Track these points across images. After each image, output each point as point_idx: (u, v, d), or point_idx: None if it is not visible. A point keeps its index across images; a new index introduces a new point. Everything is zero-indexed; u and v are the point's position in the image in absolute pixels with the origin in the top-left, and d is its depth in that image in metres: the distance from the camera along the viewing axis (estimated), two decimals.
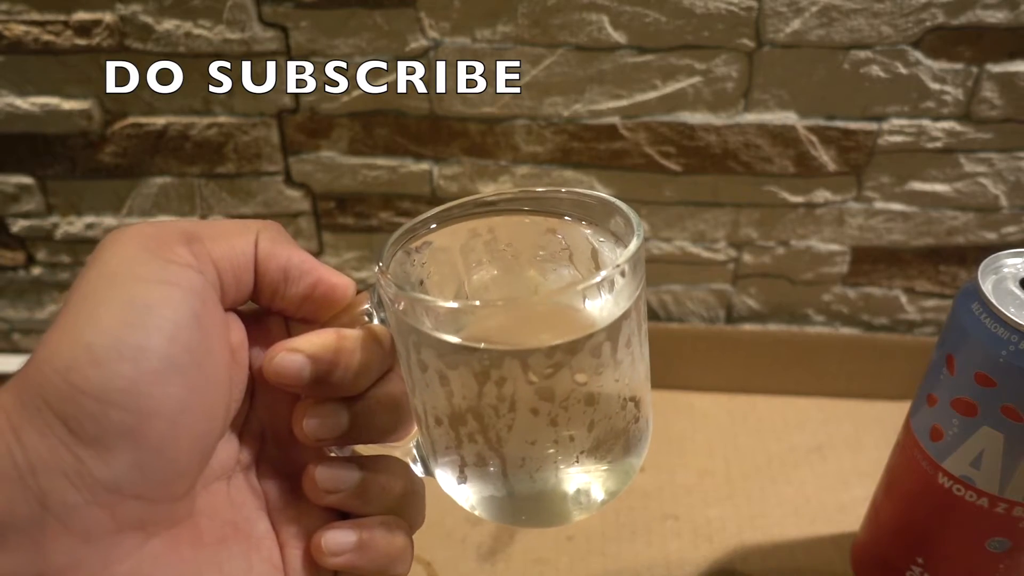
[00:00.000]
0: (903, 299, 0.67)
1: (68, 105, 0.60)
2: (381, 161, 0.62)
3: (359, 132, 0.61)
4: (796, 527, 0.52)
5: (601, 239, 0.31)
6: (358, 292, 0.29)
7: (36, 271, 0.69)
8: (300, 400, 0.28)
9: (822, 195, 0.62)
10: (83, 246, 0.67)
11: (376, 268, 0.27)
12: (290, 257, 0.27)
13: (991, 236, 0.63)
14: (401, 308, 0.27)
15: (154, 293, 0.23)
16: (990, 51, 0.55)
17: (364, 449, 0.30)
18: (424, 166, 0.62)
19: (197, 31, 0.57)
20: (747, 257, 0.65)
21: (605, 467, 0.30)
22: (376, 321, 0.29)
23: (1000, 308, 0.34)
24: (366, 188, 0.63)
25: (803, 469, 0.57)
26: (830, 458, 0.57)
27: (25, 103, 0.60)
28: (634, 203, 0.63)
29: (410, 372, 0.28)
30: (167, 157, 0.62)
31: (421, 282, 0.30)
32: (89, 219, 0.66)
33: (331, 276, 0.28)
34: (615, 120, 0.59)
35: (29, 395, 0.22)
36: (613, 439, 0.29)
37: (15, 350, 0.73)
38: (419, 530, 0.30)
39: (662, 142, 0.60)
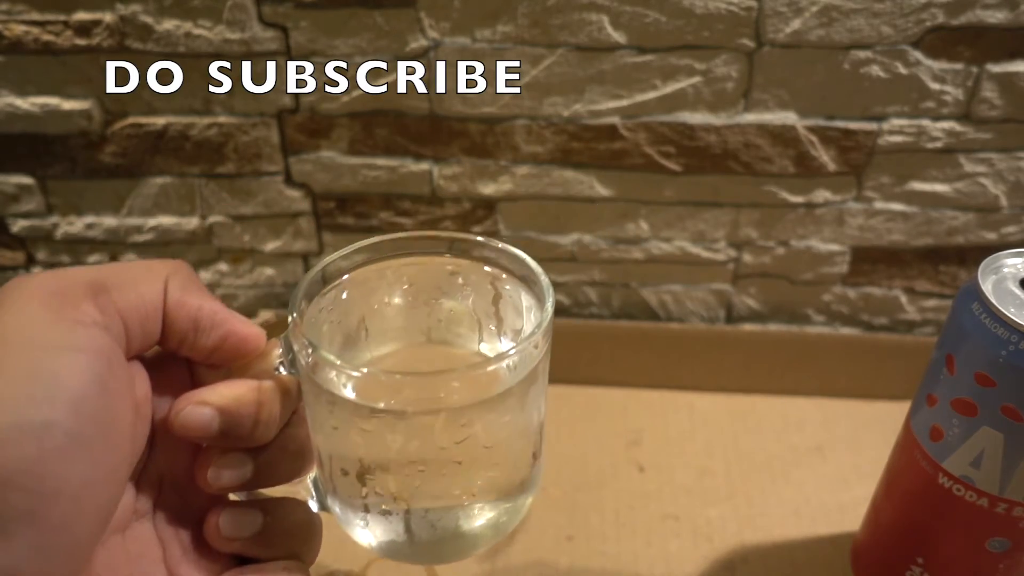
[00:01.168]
0: (903, 299, 0.67)
1: (68, 105, 0.60)
2: (381, 161, 0.62)
3: (359, 132, 0.61)
4: (796, 527, 0.52)
5: (508, 286, 0.32)
6: (268, 338, 0.29)
7: (36, 271, 0.69)
8: (203, 448, 0.28)
9: (822, 195, 0.62)
10: (83, 246, 0.67)
11: (290, 318, 0.27)
12: (200, 306, 0.26)
13: (991, 236, 0.63)
14: (312, 363, 0.27)
15: (59, 362, 0.22)
16: (990, 51, 0.55)
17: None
18: (424, 166, 0.62)
19: (197, 31, 0.57)
20: (747, 257, 0.65)
21: (505, 507, 0.31)
22: (285, 371, 0.28)
23: (1000, 308, 0.34)
24: (366, 188, 0.64)
25: (803, 469, 0.57)
26: (830, 458, 0.57)
27: (25, 103, 0.60)
28: (634, 203, 0.63)
29: (320, 424, 0.28)
30: (167, 157, 0.62)
31: (326, 327, 0.31)
32: (89, 219, 0.66)
33: (242, 327, 0.27)
34: (615, 120, 0.59)
35: None
36: (514, 487, 0.30)
37: None
38: None
39: (662, 142, 0.60)
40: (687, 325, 0.68)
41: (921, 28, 0.54)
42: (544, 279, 0.30)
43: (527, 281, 0.31)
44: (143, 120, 0.61)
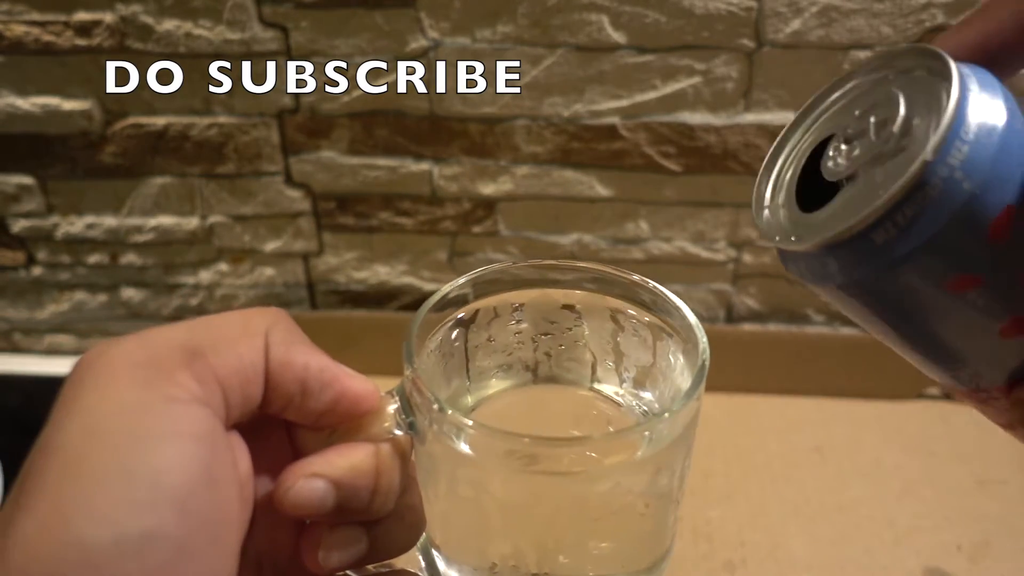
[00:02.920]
0: None
1: (68, 105, 0.60)
2: (381, 161, 0.62)
3: (359, 132, 0.61)
4: (796, 527, 0.52)
5: (634, 320, 0.29)
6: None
7: (36, 271, 0.69)
8: (308, 524, 0.24)
9: None
10: (83, 246, 0.67)
11: (406, 372, 0.25)
12: (308, 365, 0.23)
13: None
14: (438, 423, 0.24)
15: (159, 454, 0.19)
16: None
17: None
18: (424, 166, 0.62)
19: (197, 31, 0.57)
20: (747, 257, 0.65)
21: None
22: (401, 431, 0.25)
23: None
24: (366, 188, 0.64)
25: (803, 469, 0.57)
26: (830, 458, 0.57)
27: (26, 103, 0.60)
28: (634, 203, 0.63)
29: (444, 489, 0.26)
30: (167, 157, 0.62)
31: (434, 376, 0.28)
32: (90, 219, 0.66)
33: (356, 385, 0.24)
34: (615, 120, 0.59)
35: None
36: (657, 558, 0.28)
37: (15, 350, 0.73)
38: None
39: (662, 142, 0.60)
40: None
41: (921, 28, 0.54)
42: (692, 317, 0.27)
43: (665, 316, 0.28)
44: (143, 120, 0.61)
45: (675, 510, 0.28)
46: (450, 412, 0.24)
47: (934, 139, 0.19)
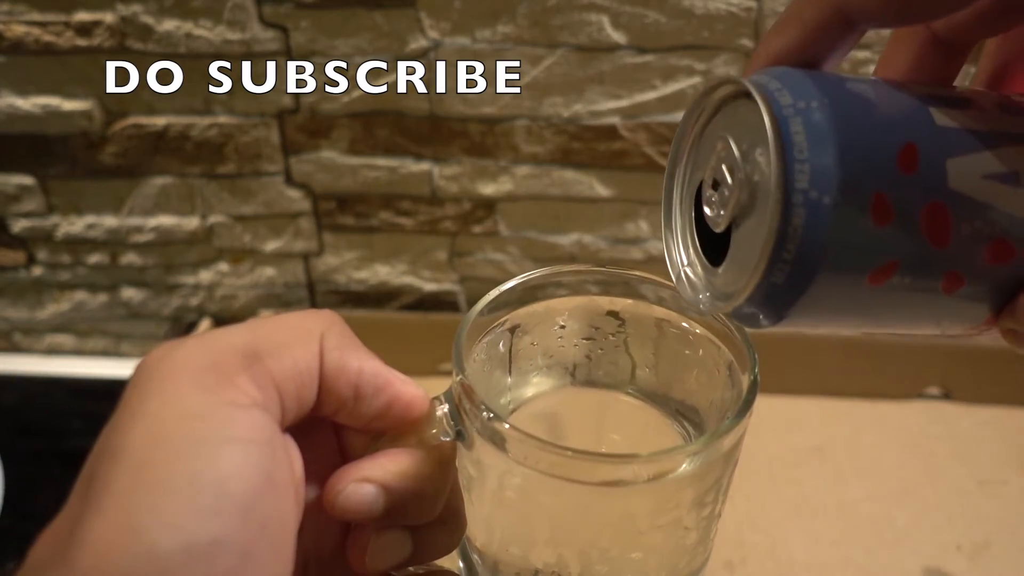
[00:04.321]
0: None
1: (69, 105, 0.60)
2: (381, 161, 0.62)
3: (359, 132, 0.61)
4: (796, 527, 0.52)
5: (675, 329, 0.29)
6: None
7: (37, 271, 0.69)
8: (353, 525, 0.25)
9: None
10: (84, 246, 0.67)
11: (456, 379, 0.25)
12: (361, 370, 0.23)
13: None
14: (488, 430, 0.24)
15: (224, 460, 0.19)
16: None
17: None
18: (424, 166, 0.62)
19: (197, 31, 0.57)
20: None
21: None
22: (447, 437, 0.25)
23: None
24: (366, 188, 0.64)
25: (803, 469, 0.57)
26: (830, 458, 0.57)
27: (26, 103, 0.60)
28: (634, 203, 0.63)
29: (490, 496, 0.26)
30: (168, 157, 0.63)
31: (478, 377, 0.28)
32: (90, 219, 0.66)
33: (408, 391, 0.24)
34: (615, 120, 0.59)
35: None
36: (695, 569, 0.28)
37: (15, 350, 0.73)
38: None
39: (662, 142, 0.60)
40: None
41: None
42: (742, 333, 0.27)
43: (713, 330, 0.28)
44: (143, 120, 0.61)
45: (716, 522, 0.28)
46: (501, 421, 0.24)
47: (773, 175, 0.19)
